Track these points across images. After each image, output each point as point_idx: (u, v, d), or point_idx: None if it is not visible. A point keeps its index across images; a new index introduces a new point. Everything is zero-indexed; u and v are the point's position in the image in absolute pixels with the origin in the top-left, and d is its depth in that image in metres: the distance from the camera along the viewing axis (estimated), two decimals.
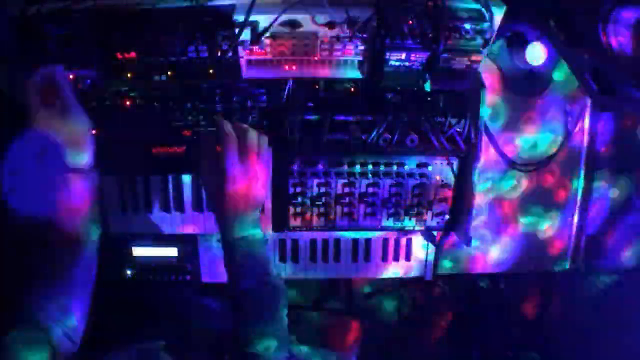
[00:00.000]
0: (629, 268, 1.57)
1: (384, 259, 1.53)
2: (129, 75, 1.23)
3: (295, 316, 1.64)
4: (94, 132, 1.12)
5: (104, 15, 1.14)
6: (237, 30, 1.14)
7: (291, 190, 1.33)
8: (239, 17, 1.13)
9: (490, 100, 1.38)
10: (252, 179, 1.10)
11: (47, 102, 1.05)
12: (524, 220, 1.51)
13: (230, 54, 1.18)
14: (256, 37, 1.17)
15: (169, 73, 1.24)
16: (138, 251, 1.47)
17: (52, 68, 1.08)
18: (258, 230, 1.13)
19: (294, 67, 1.25)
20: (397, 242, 1.52)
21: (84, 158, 1.08)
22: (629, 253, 1.56)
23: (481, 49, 1.14)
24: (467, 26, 1.12)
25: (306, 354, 1.56)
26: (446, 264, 1.55)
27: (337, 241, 1.51)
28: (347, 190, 1.34)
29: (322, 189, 1.34)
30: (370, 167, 1.32)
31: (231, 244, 1.10)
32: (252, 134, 1.12)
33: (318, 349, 1.61)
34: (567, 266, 1.57)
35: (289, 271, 1.52)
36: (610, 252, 1.54)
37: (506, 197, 1.48)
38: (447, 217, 1.38)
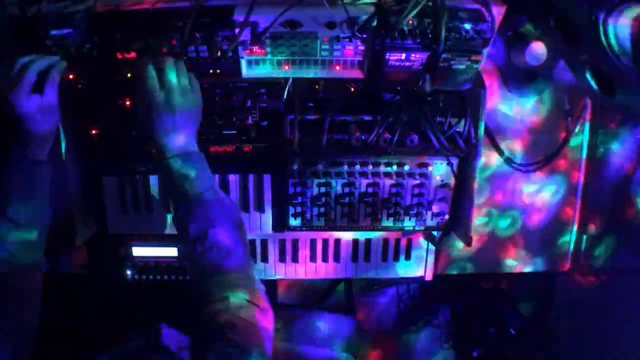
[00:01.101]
0: (629, 268, 1.57)
1: (384, 259, 1.53)
2: (129, 75, 1.23)
3: (295, 316, 1.64)
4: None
5: (104, 15, 1.14)
6: (237, 30, 1.14)
7: (291, 190, 1.33)
8: (239, 17, 1.13)
9: (490, 100, 1.38)
10: (171, 94, 1.07)
11: (34, 91, 1.06)
12: (524, 221, 1.51)
13: (230, 54, 1.18)
14: (256, 37, 1.17)
15: None
16: (138, 251, 1.47)
17: (54, 59, 1.09)
18: (194, 148, 1.10)
19: (293, 67, 1.25)
20: (397, 242, 1.52)
21: (43, 151, 1.11)
22: (629, 253, 1.55)
23: (481, 49, 1.14)
24: (467, 26, 1.12)
25: (306, 354, 1.56)
26: (446, 264, 1.55)
27: (337, 241, 1.51)
28: (347, 190, 1.34)
29: (322, 189, 1.34)
30: (370, 167, 1.32)
31: (167, 163, 1.06)
32: (167, 56, 1.11)
33: (317, 348, 1.61)
34: (568, 266, 1.58)
35: (289, 271, 1.52)
36: (610, 252, 1.54)
37: (506, 199, 1.49)
38: (447, 217, 1.38)
